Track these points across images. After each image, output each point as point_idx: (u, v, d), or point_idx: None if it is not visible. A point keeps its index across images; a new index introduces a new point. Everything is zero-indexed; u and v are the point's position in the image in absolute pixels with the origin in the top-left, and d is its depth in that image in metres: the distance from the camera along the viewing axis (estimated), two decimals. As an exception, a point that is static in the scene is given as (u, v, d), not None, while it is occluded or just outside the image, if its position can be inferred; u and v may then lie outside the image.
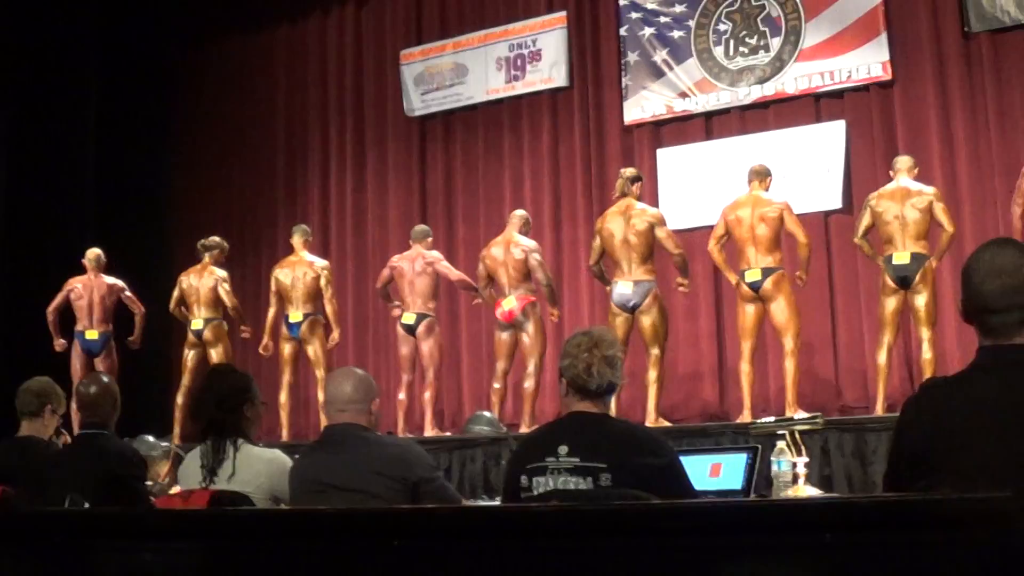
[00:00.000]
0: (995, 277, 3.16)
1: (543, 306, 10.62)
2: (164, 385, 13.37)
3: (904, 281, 9.22)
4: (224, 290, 11.51)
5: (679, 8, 12.21)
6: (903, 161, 9.59)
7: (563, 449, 4.18)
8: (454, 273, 11.20)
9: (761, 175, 9.85)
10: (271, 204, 14.34)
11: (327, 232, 13.75)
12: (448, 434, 11.10)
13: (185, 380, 11.56)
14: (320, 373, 11.28)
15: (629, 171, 10.31)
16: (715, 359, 11.72)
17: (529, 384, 10.41)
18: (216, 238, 11.81)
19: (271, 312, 11.53)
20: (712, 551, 2.19)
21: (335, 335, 11.42)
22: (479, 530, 2.35)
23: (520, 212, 10.97)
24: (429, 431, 10.82)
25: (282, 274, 11.39)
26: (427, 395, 11.03)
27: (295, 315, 11.28)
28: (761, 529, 2.17)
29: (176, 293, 11.64)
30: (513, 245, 10.48)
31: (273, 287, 11.44)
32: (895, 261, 9.24)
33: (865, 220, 9.55)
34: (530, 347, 10.46)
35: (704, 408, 11.54)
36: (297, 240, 11.51)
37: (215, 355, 11.49)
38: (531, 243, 10.54)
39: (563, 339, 11.19)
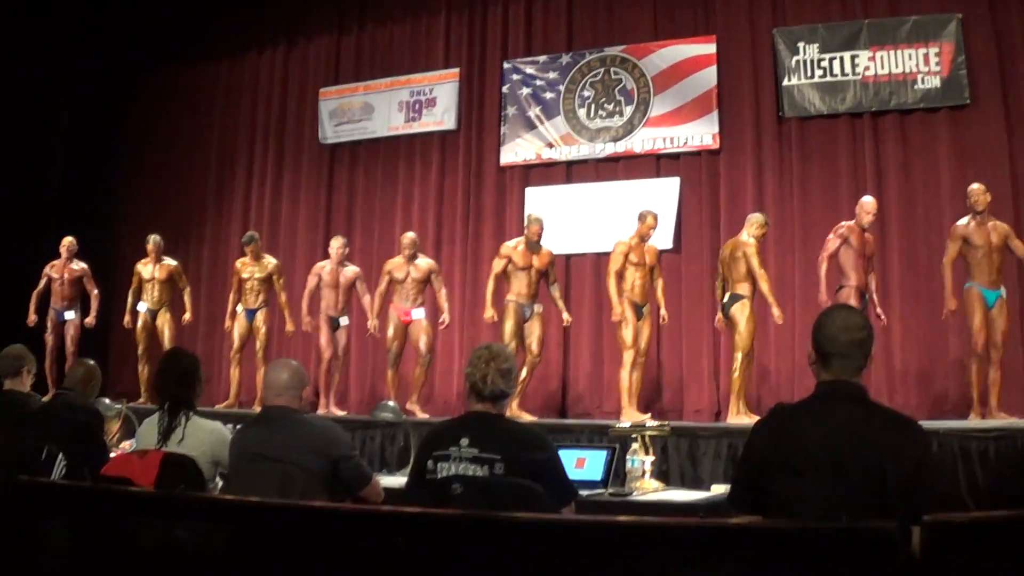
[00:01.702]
0: (847, 331, 3.44)
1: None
2: (113, 354, 13.16)
3: (726, 312, 9.39)
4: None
5: (552, 75, 12.21)
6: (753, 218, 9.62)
7: (464, 441, 4.18)
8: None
9: (639, 219, 9.89)
10: (202, 209, 14.01)
11: (246, 235, 13.52)
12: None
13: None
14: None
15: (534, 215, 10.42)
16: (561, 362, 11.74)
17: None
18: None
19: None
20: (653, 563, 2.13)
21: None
22: (480, 534, 2.24)
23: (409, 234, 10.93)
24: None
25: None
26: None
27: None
28: (691, 545, 2.11)
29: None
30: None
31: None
32: (725, 300, 9.42)
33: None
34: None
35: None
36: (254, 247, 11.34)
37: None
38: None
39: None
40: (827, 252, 9.24)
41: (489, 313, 10.08)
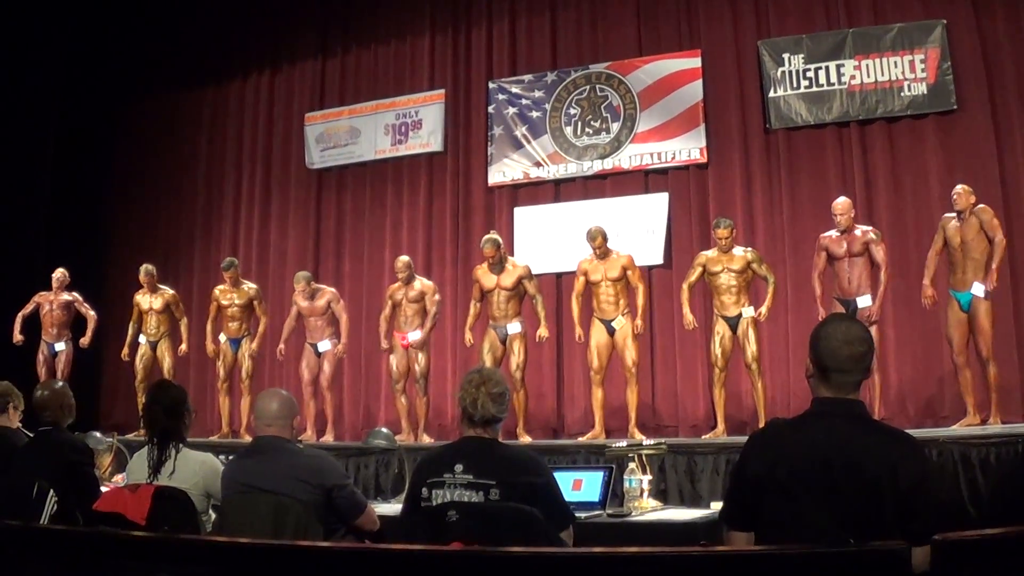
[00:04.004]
0: (848, 345, 3.27)
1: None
2: (105, 385, 13.08)
3: (733, 328, 9.36)
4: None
5: (538, 93, 12.18)
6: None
7: (459, 467, 4.09)
8: None
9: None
10: (190, 236, 13.98)
11: (235, 261, 13.46)
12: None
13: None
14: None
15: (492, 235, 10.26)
16: (554, 381, 11.68)
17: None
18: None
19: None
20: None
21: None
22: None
23: (402, 257, 10.78)
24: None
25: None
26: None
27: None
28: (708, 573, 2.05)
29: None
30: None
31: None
32: (730, 314, 9.35)
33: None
34: None
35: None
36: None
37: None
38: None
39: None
40: (816, 269, 9.27)
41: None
